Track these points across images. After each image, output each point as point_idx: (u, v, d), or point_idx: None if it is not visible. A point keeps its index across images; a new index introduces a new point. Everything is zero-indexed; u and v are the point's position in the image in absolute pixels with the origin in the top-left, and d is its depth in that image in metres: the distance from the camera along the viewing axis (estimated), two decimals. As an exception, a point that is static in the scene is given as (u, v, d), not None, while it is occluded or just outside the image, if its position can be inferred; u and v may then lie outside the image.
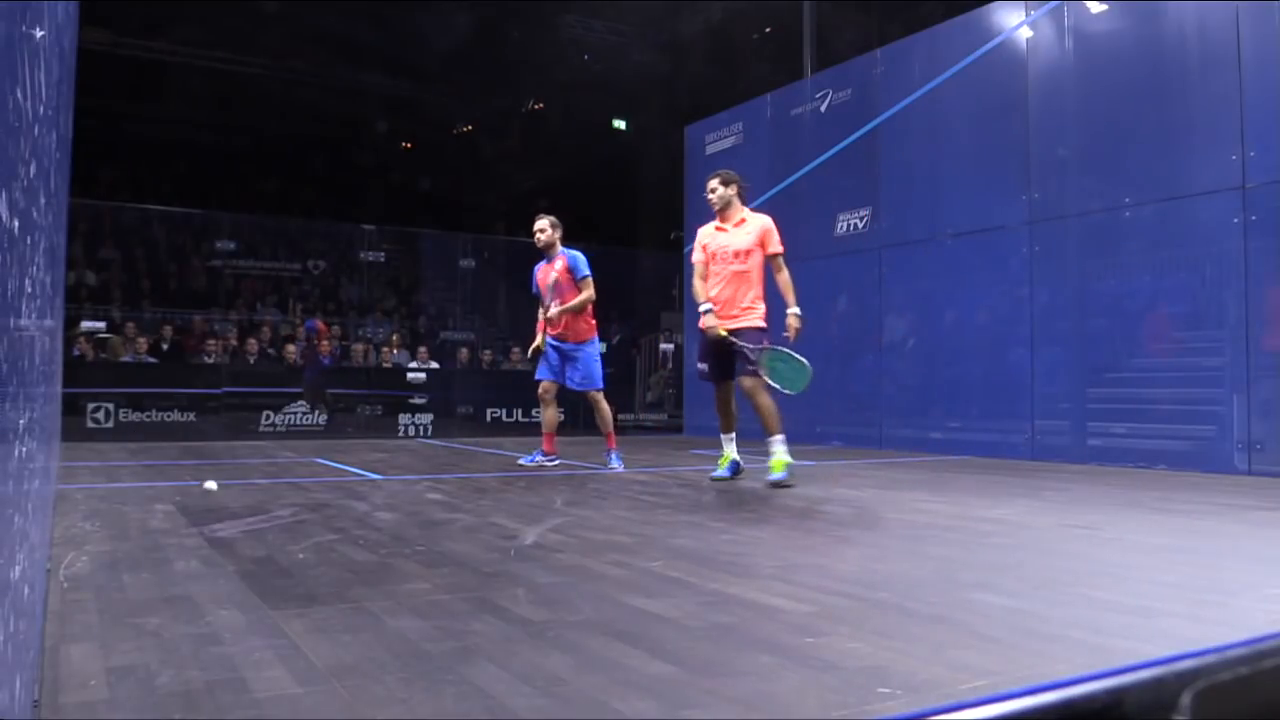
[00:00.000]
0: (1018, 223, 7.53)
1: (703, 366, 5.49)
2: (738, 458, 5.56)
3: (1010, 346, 7.57)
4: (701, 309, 5.35)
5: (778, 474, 5.10)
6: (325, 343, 11.62)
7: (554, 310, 6.31)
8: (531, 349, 6.53)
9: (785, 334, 5.27)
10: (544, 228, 6.39)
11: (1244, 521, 3.90)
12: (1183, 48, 6.51)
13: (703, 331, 5.36)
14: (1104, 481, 5.53)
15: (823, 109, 9.59)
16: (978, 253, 7.88)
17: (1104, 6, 7.09)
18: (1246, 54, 6.05)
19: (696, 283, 5.47)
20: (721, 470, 5.53)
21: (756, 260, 5.36)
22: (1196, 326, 6.36)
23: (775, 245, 5.41)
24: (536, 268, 6.55)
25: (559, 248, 6.40)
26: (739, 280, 5.33)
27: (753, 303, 5.35)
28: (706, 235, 5.50)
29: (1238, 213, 6.05)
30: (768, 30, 15.41)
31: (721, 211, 5.46)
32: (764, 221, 5.43)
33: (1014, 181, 7.57)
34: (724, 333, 5.23)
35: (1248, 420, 5.93)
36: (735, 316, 5.30)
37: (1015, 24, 7.71)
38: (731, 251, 5.34)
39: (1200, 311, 6.33)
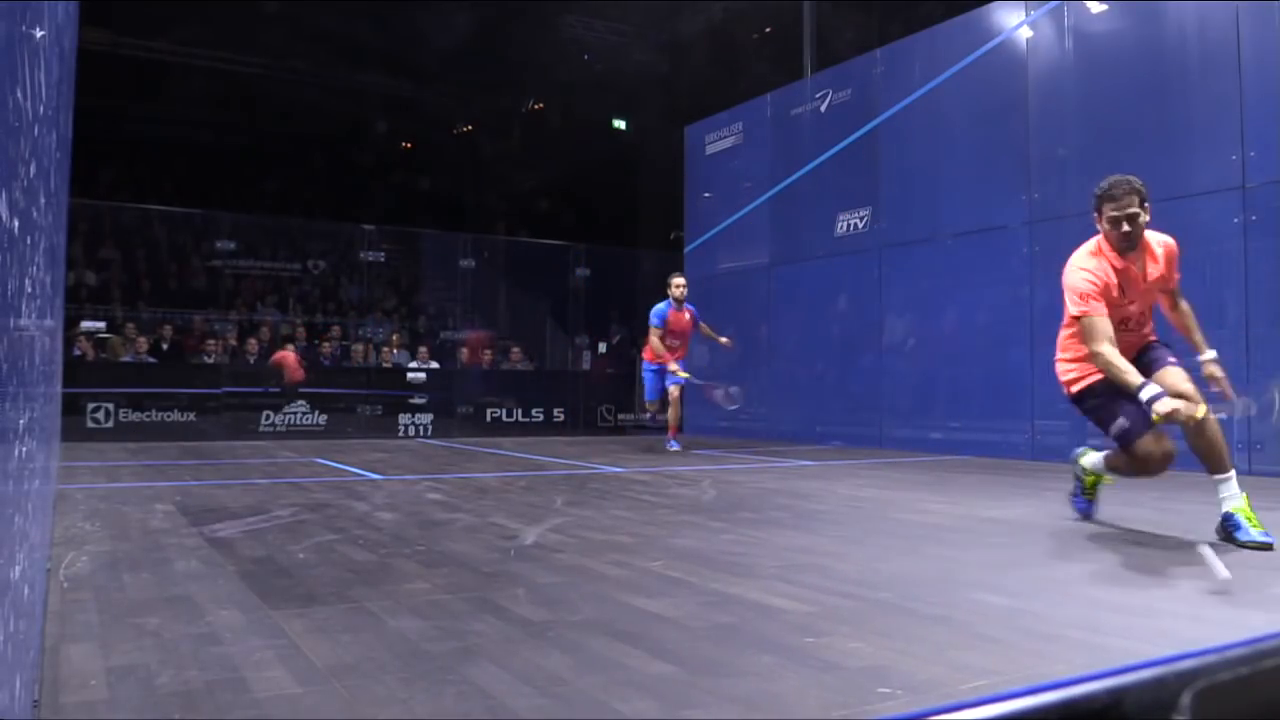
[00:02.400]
0: (1018, 223, 7.53)
1: (1125, 424, 3.38)
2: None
3: (1010, 346, 7.56)
4: (1146, 394, 3.14)
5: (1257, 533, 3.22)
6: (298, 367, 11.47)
7: (727, 339, 8.33)
8: (681, 373, 8.08)
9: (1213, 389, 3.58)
10: (685, 284, 8.08)
11: (1244, 521, 3.89)
12: (1183, 48, 6.50)
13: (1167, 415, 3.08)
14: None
15: (823, 109, 9.59)
16: (978, 253, 7.88)
17: (1104, 6, 7.09)
18: (1246, 55, 6.05)
19: (1113, 354, 3.34)
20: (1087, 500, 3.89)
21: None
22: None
23: (1175, 275, 3.66)
24: (667, 312, 8.01)
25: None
26: (1139, 343, 3.70)
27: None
28: (1110, 278, 3.52)
29: (1238, 213, 6.05)
30: (768, 30, 15.41)
31: (1130, 249, 3.49)
32: (1169, 246, 3.61)
33: (1014, 181, 7.56)
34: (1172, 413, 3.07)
35: (1248, 420, 5.92)
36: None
37: (1015, 24, 7.71)
38: (1141, 313, 3.64)
39: (1200, 311, 6.31)
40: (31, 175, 1.22)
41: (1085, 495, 3.87)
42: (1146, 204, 3.43)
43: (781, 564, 2.85)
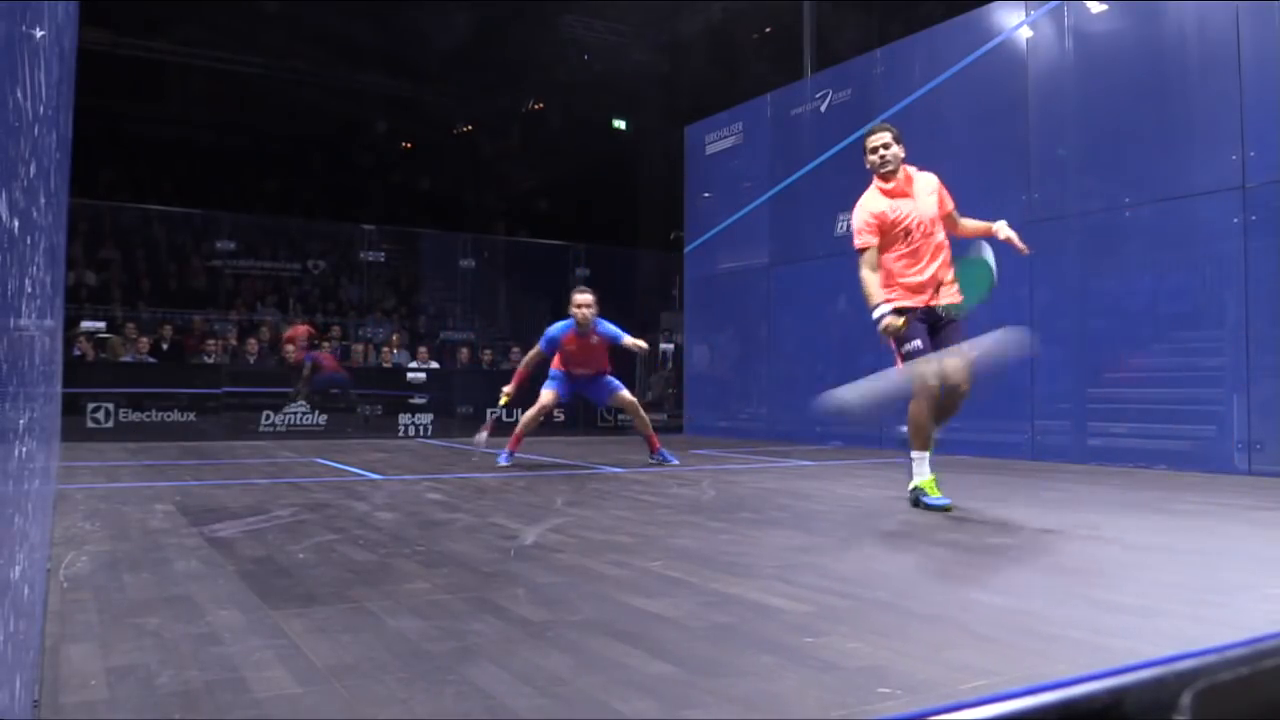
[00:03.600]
0: (1018, 223, 7.47)
1: (916, 344, 4.17)
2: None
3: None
4: (878, 311, 4.19)
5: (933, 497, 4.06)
6: (327, 355, 11.47)
7: (632, 342, 6.47)
8: (505, 400, 6.79)
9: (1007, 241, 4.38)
10: (591, 304, 6.35)
11: (1244, 521, 3.90)
12: (1183, 48, 6.50)
13: (886, 330, 4.21)
14: (1104, 481, 5.53)
15: (823, 109, 9.59)
16: (978, 253, 7.87)
17: (1104, 6, 7.09)
18: (1246, 54, 6.05)
19: (869, 274, 4.27)
20: (939, 496, 4.11)
21: (942, 230, 4.39)
22: (1196, 326, 6.36)
23: (951, 201, 4.50)
24: (562, 335, 6.41)
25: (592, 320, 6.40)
26: (941, 253, 4.33)
27: (949, 275, 4.36)
28: (880, 204, 4.34)
29: (1238, 213, 6.05)
30: (768, 30, 15.41)
31: (891, 174, 4.40)
32: (934, 177, 4.50)
33: (1014, 181, 7.56)
34: (900, 326, 4.14)
35: (1248, 420, 5.92)
36: (947, 287, 4.33)
37: (1015, 24, 7.71)
38: (930, 220, 4.31)
39: (1200, 311, 6.32)
40: (31, 175, 1.22)
41: (931, 495, 4.18)
42: (900, 142, 4.48)
43: (780, 564, 2.85)
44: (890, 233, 4.29)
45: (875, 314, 4.19)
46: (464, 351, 12.77)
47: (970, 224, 4.55)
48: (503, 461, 6.50)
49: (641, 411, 6.69)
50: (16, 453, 1.22)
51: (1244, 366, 5.95)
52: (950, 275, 4.34)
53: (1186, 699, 0.46)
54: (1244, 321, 5.97)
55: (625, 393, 6.65)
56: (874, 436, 8.70)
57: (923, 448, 4.19)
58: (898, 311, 4.21)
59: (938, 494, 4.13)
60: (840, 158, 9.25)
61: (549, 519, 3.86)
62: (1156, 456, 6.39)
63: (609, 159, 17.90)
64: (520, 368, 6.76)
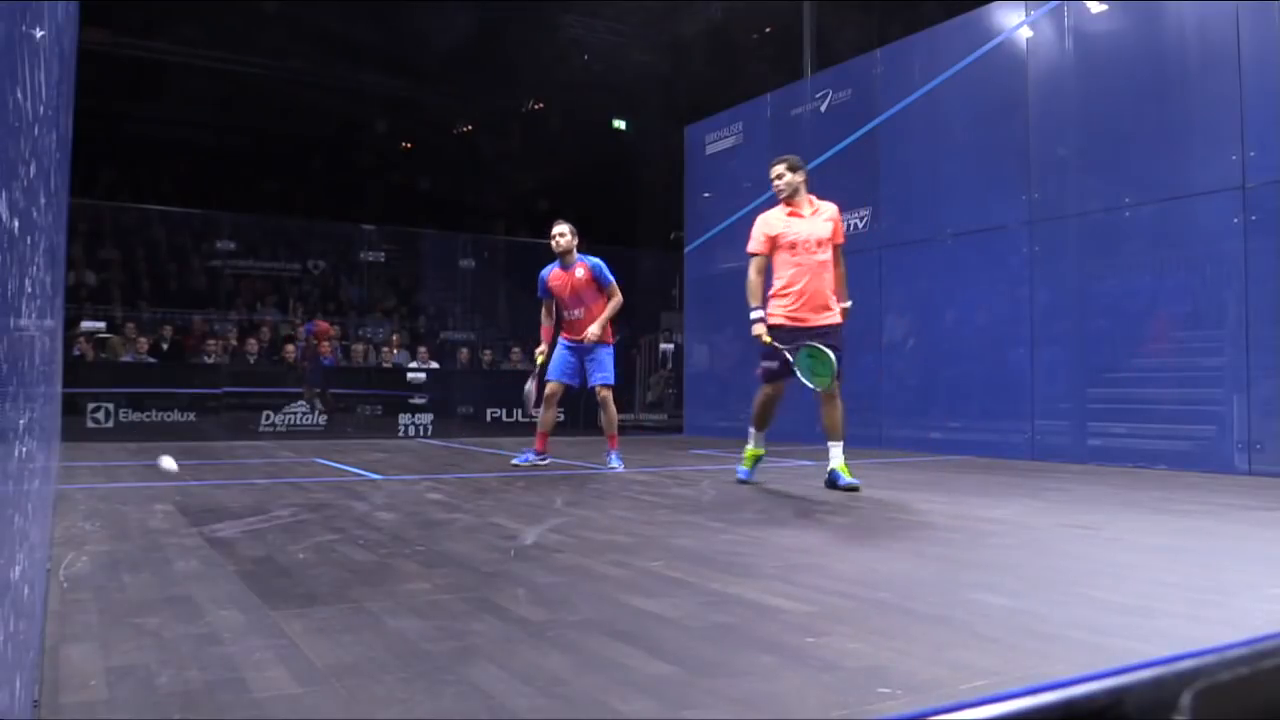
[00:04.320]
0: (1018, 223, 7.53)
1: (772, 365, 4.97)
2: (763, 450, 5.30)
3: (1010, 346, 7.56)
4: (753, 315, 4.98)
5: (848, 478, 4.90)
6: (325, 344, 11.59)
7: (594, 328, 6.22)
8: (539, 359, 6.49)
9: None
10: (565, 233, 6.32)
11: (1244, 521, 3.90)
12: (1183, 48, 6.51)
13: (757, 337, 4.99)
14: (1104, 481, 5.53)
15: (823, 109, 9.59)
16: (978, 253, 7.88)
17: (1104, 6, 7.09)
18: (1246, 54, 6.05)
19: (754, 278, 5.03)
20: (747, 469, 5.30)
21: (829, 251, 5.03)
22: (1196, 326, 6.36)
23: (842, 235, 5.13)
24: (548, 274, 6.42)
25: (576, 254, 6.34)
26: (823, 271, 4.97)
27: (832, 298, 5.05)
28: (777, 222, 5.03)
29: (1238, 213, 6.05)
30: (768, 30, 15.42)
31: (790, 199, 5.04)
32: (834, 209, 5.11)
33: (1014, 181, 7.56)
34: (769, 341, 4.93)
35: (1248, 420, 5.92)
36: (826, 309, 5.00)
37: (1015, 24, 7.71)
38: (815, 241, 4.95)
39: (1200, 311, 6.33)
40: (31, 175, 1.22)
41: (744, 466, 5.32)
42: (798, 170, 5.07)
43: (781, 564, 2.85)
44: (779, 245, 5.00)
45: (752, 316, 4.98)
46: (464, 351, 12.77)
47: (839, 274, 5.11)
48: (521, 461, 6.40)
49: (612, 409, 6.35)
50: (16, 453, 1.22)
51: (1244, 366, 5.95)
52: (830, 299, 5.02)
53: (1186, 699, 0.46)
54: (1244, 321, 5.97)
55: (603, 388, 6.28)
56: (874, 436, 8.70)
57: (757, 428, 5.25)
58: (771, 329, 4.95)
59: (748, 467, 5.28)
60: (840, 158, 9.25)
61: (549, 519, 3.86)
62: (1156, 456, 6.39)
63: (609, 159, 17.91)
64: (543, 326, 6.56)
